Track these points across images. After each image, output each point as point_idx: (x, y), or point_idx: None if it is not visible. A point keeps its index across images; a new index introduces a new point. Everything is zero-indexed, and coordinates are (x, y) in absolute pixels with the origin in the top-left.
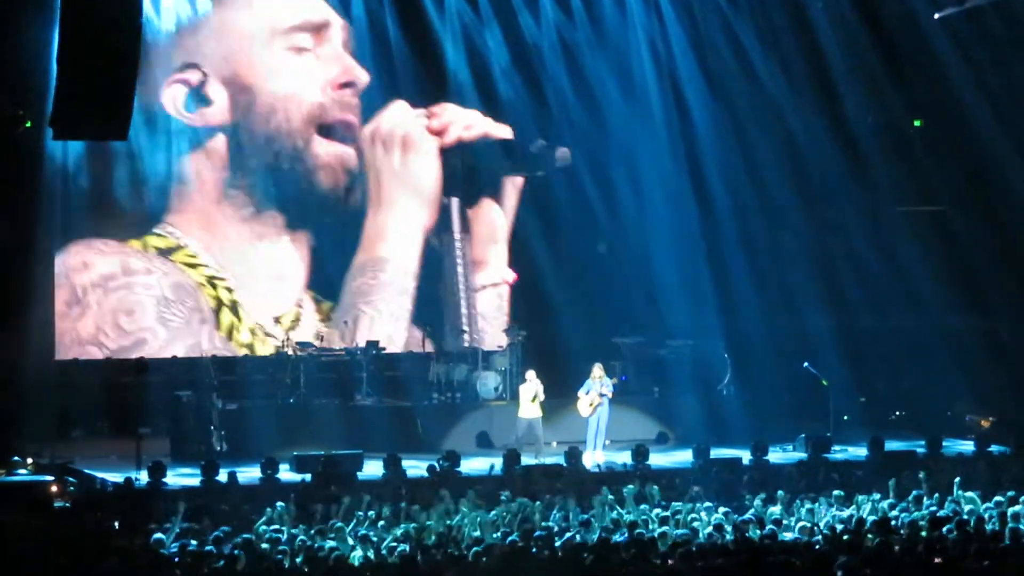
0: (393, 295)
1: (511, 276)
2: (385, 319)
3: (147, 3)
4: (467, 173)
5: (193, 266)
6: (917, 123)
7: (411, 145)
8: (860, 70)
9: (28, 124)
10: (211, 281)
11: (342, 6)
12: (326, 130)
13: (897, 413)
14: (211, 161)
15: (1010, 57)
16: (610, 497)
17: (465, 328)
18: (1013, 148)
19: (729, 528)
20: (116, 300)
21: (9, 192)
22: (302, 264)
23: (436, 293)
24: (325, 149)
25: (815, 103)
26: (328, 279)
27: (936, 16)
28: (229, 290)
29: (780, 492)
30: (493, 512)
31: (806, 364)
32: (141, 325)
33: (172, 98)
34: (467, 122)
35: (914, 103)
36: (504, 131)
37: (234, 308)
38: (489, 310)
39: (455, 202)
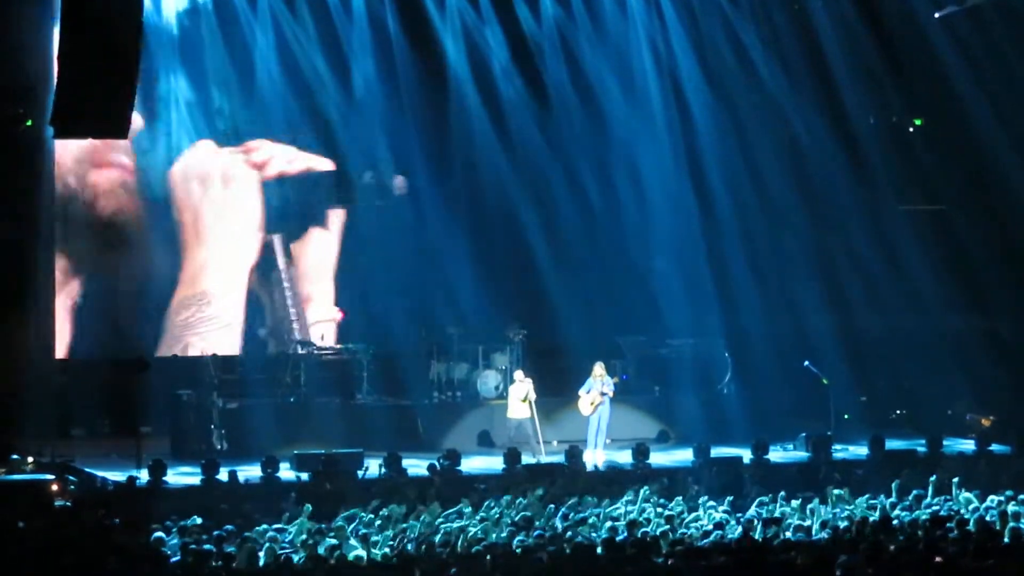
0: (218, 328)
1: (338, 314)
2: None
3: None
4: (290, 207)
5: None
6: (917, 122)
7: (230, 180)
8: (861, 69)
9: (29, 123)
10: None
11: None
12: (100, 165)
13: (898, 412)
14: None
15: (1010, 56)
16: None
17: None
18: (1013, 147)
19: (730, 527)
20: None
21: (10, 191)
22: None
23: (261, 328)
24: (103, 176)
25: (815, 102)
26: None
27: (936, 15)
28: None
29: (781, 491)
30: (494, 511)
31: (807, 363)
32: None
33: None
34: (288, 157)
35: (914, 102)
36: (326, 164)
37: None
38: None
39: (277, 237)
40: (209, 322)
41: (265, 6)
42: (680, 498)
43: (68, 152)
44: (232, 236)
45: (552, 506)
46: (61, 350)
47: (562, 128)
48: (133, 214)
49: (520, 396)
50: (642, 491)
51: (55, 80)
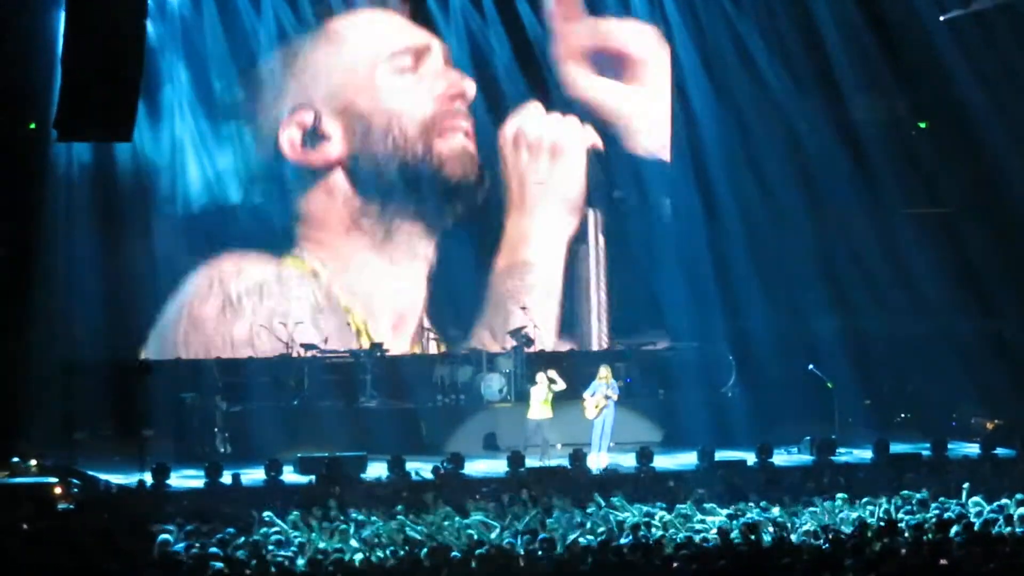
0: (542, 298)
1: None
2: (538, 322)
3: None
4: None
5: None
6: (922, 125)
7: (559, 153)
8: (865, 72)
9: (32, 125)
10: (345, 309)
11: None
12: (442, 133)
13: (902, 415)
14: (335, 195)
15: (1016, 59)
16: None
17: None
18: (1019, 150)
19: (733, 531)
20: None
21: (14, 194)
22: (423, 293)
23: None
24: (447, 145)
25: (820, 105)
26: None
27: (942, 18)
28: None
29: (785, 494)
30: (496, 514)
31: (811, 366)
32: (294, 330)
33: (289, 141)
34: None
35: (919, 105)
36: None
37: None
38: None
39: (595, 213)
40: (532, 291)
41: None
42: (683, 502)
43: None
44: (555, 208)
45: (553, 508)
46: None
47: None
48: (476, 177)
49: (540, 398)
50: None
51: (59, 82)
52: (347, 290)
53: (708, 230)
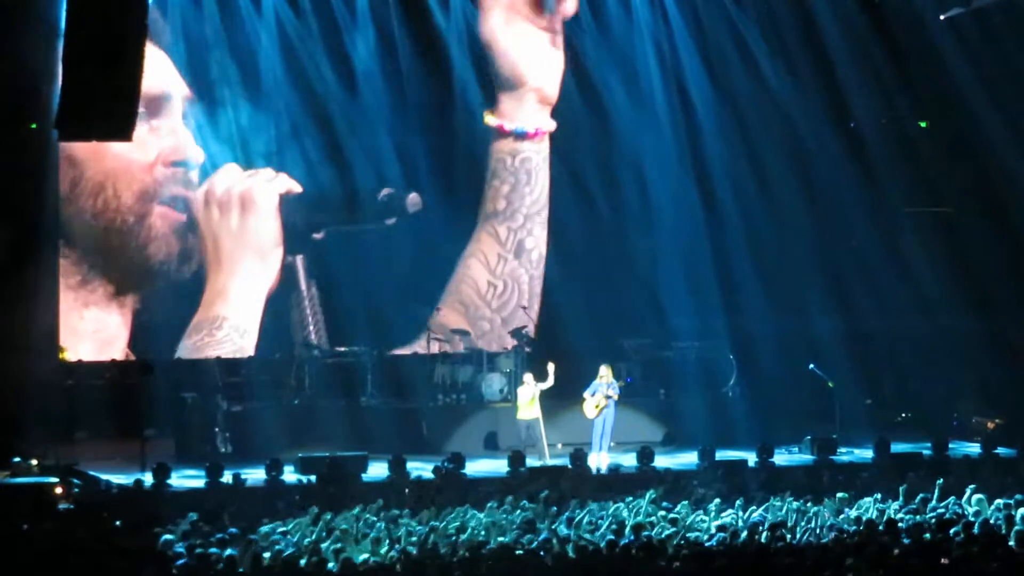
0: (229, 352)
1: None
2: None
3: None
4: (306, 228)
5: None
6: (923, 124)
7: (249, 203)
8: (866, 71)
9: (33, 125)
10: None
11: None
12: (158, 200)
13: (903, 415)
14: None
15: (1016, 57)
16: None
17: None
18: (1019, 148)
19: (735, 530)
20: None
21: (14, 194)
22: (125, 329)
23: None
24: (161, 218)
25: (821, 104)
26: (154, 341)
27: (942, 17)
28: (61, 349)
29: (786, 494)
30: (499, 514)
31: (812, 366)
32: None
33: None
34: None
35: (920, 104)
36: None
37: None
38: None
39: (299, 259)
40: (219, 346)
41: (270, 8)
42: (685, 501)
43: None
44: (251, 260)
45: (555, 508)
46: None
47: (567, 131)
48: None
49: (527, 399)
50: (647, 494)
51: (60, 82)
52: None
53: (709, 229)
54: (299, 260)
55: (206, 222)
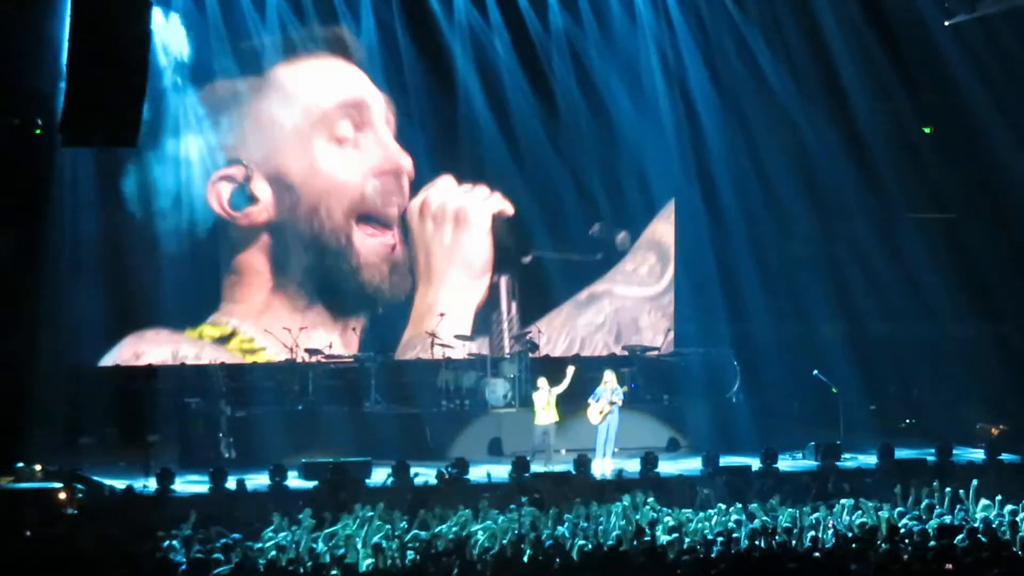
0: (439, 322)
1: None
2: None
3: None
4: (516, 250)
5: (250, 351)
6: (927, 130)
7: (463, 220)
8: (870, 76)
9: (38, 131)
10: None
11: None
12: (367, 219)
13: (907, 421)
14: (261, 257)
15: (1020, 63)
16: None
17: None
18: (1023, 154)
19: (739, 536)
20: None
21: (19, 200)
22: (355, 346)
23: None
24: (367, 245)
25: (825, 109)
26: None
27: (946, 23)
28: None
29: (790, 500)
30: (502, 520)
31: (816, 371)
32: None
33: (217, 196)
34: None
35: (924, 110)
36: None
37: None
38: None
39: (504, 279)
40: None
41: (273, 10)
42: (688, 507)
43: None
44: (461, 276)
45: (558, 513)
46: None
47: (571, 135)
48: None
49: (543, 403)
50: (647, 499)
51: (65, 87)
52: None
53: (713, 235)
54: (503, 280)
55: (420, 234)
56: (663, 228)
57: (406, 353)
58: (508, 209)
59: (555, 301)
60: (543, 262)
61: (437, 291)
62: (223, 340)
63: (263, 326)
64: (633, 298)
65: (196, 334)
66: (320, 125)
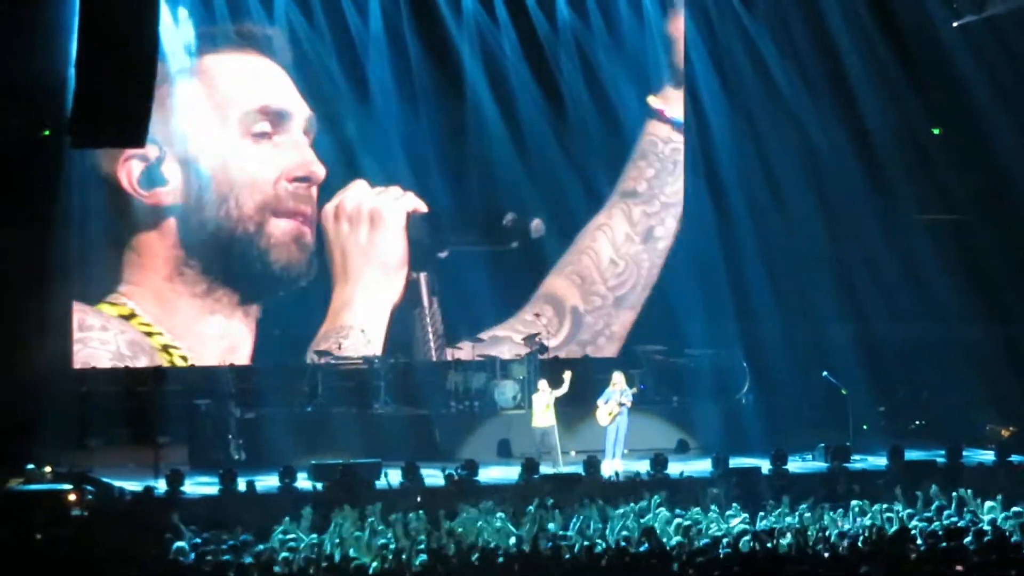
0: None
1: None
2: None
3: None
4: (430, 246)
5: (149, 334)
6: (936, 131)
7: (378, 220)
8: (878, 77)
9: (47, 132)
10: (166, 348)
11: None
12: (280, 214)
13: (917, 422)
14: (163, 239)
15: None
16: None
17: None
18: None
19: (748, 538)
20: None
21: (28, 201)
22: (250, 337)
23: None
24: (279, 228)
25: (833, 111)
26: (278, 350)
27: (955, 24)
28: (184, 359)
29: (800, 501)
30: (510, 520)
31: (825, 373)
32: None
33: (127, 172)
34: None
35: (932, 111)
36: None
37: None
38: None
39: (423, 276)
40: (345, 354)
41: (282, 13)
42: (697, 508)
43: (252, 196)
44: (377, 274)
45: (566, 514)
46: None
47: (579, 137)
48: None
49: (543, 405)
50: (653, 499)
51: (73, 88)
52: (171, 332)
53: (721, 236)
54: (423, 277)
55: (335, 235)
56: (559, 282)
57: (320, 345)
58: (421, 207)
59: (476, 295)
60: (460, 256)
61: (353, 289)
62: (125, 318)
63: (161, 309)
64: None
65: (99, 309)
66: (240, 119)
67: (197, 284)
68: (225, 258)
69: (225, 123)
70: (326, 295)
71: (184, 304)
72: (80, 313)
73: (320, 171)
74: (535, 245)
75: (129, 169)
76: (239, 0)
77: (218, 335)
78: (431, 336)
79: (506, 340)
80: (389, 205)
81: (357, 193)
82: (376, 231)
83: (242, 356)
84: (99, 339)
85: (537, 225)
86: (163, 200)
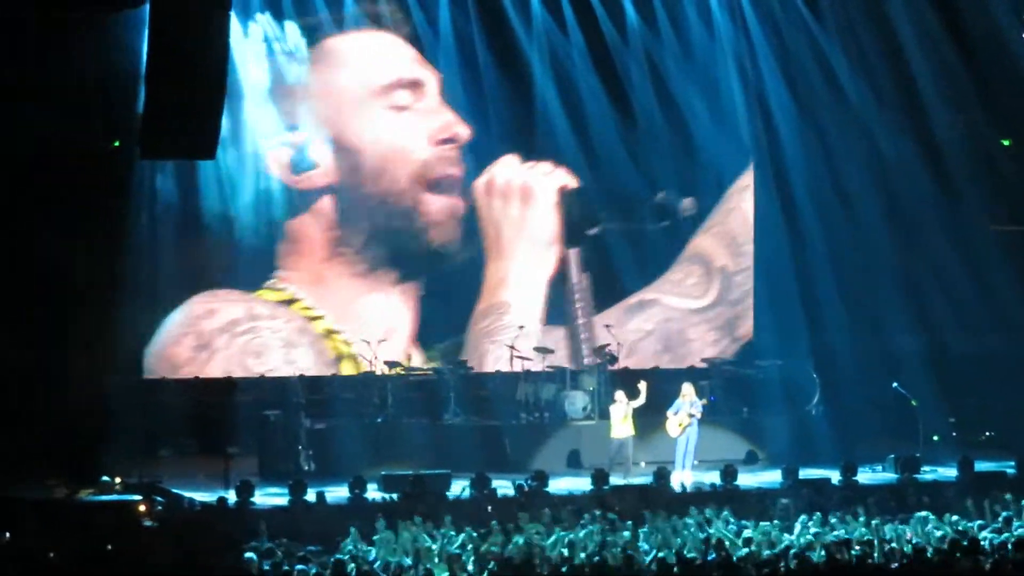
0: (511, 338)
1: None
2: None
3: (247, 66)
4: (582, 223)
5: (311, 319)
6: (1006, 143)
7: (530, 196)
8: (947, 87)
9: (116, 144)
10: (329, 334)
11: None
12: (433, 185)
13: (987, 433)
14: (318, 222)
15: None
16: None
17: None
18: None
19: (818, 548)
20: (243, 343)
21: (98, 213)
22: (410, 315)
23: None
24: (436, 206)
25: (903, 121)
26: (439, 327)
27: None
28: (347, 343)
29: (870, 513)
30: (581, 532)
31: (895, 384)
32: (269, 367)
33: (277, 160)
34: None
35: (1002, 121)
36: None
37: (353, 360)
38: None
39: (573, 252)
40: (508, 329)
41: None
42: (766, 520)
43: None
44: (531, 250)
45: (636, 525)
46: None
47: (648, 148)
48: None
49: (620, 416)
50: (723, 513)
51: (143, 100)
52: (331, 315)
53: (791, 247)
54: (573, 253)
55: (487, 211)
56: (708, 242)
57: (479, 323)
58: (572, 182)
59: (625, 272)
60: (610, 233)
61: (508, 264)
62: (287, 303)
63: (321, 292)
64: (681, 310)
65: (260, 296)
66: (378, 94)
67: (356, 264)
68: (385, 235)
69: (363, 100)
70: (478, 271)
71: (343, 285)
72: (247, 303)
73: (464, 131)
74: (687, 223)
75: (278, 157)
76: None
77: (379, 315)
78: (579, 314)
79: (654, 303)
80: (539, 180)
81: (507, 167)
82: (527, 206)
83: (401, 337)
84: (269, 328)
85: (689, 203)
86: (316, 182)
